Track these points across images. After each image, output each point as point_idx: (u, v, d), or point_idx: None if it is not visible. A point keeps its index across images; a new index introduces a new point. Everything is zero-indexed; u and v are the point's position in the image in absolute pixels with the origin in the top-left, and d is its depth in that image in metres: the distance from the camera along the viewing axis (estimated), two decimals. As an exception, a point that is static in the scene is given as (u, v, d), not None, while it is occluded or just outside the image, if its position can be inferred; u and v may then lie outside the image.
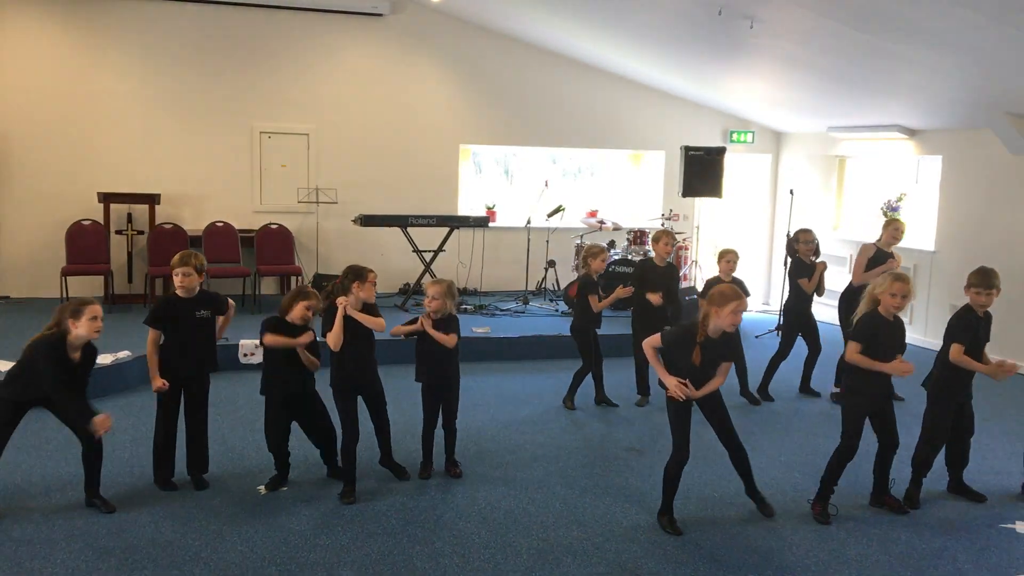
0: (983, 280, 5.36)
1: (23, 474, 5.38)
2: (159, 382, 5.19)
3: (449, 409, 5.65)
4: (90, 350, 4.88)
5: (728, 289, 4.86)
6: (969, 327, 5.33)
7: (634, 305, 7.51)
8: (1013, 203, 9.15)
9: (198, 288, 5.30)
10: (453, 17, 11.41)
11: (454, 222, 10.85)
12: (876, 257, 7.55)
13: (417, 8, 11.29)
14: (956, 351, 5.29)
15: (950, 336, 5.36)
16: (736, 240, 12.37)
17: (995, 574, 4.59)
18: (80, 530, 4.70)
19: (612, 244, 10.99)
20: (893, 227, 7.68)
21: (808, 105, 11.09)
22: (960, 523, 5.22)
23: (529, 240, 11.30)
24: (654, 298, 7.22)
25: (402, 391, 6.46)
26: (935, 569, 4.62)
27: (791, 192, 11.96)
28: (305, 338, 5.25)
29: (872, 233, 10.81)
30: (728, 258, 7.44)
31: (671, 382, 4.83)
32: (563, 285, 11.12)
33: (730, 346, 4.96)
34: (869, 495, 5.42)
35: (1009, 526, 5.20)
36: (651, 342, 5.01)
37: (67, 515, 4.88)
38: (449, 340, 5.47)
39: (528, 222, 11.25)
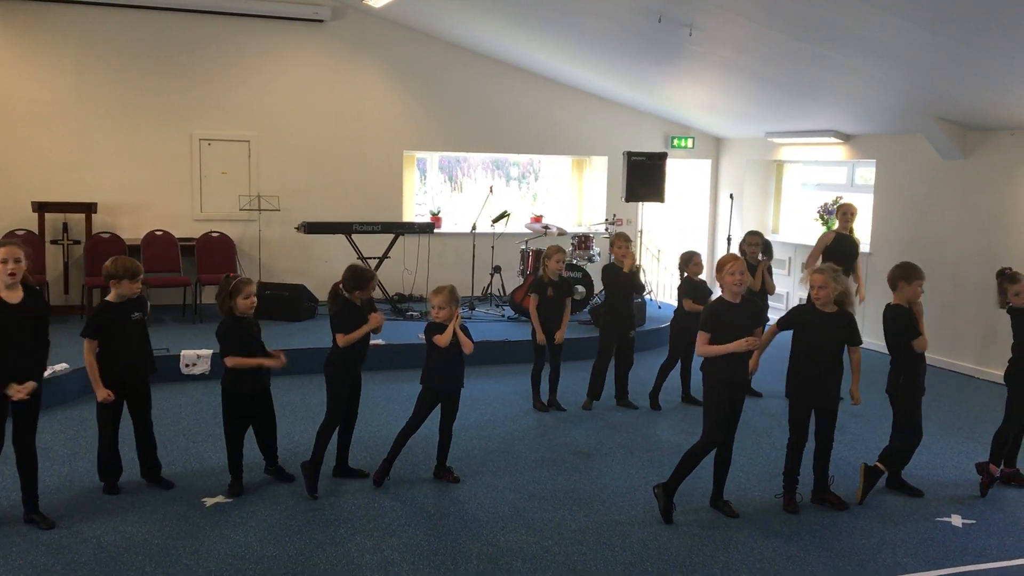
0: (919, 272, 5.54)
1: (-43, 492, 5.24)
2: (104, 392, 5.09)
3: (451, 413, 5.69)
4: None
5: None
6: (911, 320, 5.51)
7: (603, 307, 7.62)
8: (944, 206, 9.43)
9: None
10: (395, 23, 11.37)
11: (399, 229, 10.81)
12: (836, 243, 7.84)
13: (358, 14, 11.24)
14: (923, 343, 5.50)
15: (909, 332, 5.50)
16: (679, 244, 12.55)
17: (933, 566, 4.73)
18: (18, 547, 4.58)
19: (584, 242, 10.98)
20: (842, 211, 8.24)
21: (747, 111, 11.30)
22: (899, 517, 5.36)
23: (475, 246, 11.31)
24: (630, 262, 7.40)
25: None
26: (875, 563, 4.74)
27: (731, 196, 12.19)
28: (272, 361, 5.36)
29: (810, 236, 11.09)
30: (696, 260, 7.60)
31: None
32: (508, 290, 11.15)
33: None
34: (810, 492, 5.54)
35: (946, 519, 5.35)
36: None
37: (3, 532, 4.75)
38: (469, 345, 5.55)
39: (473, 228, 11.26)
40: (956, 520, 5.35)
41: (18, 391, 4.65)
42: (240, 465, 5.43)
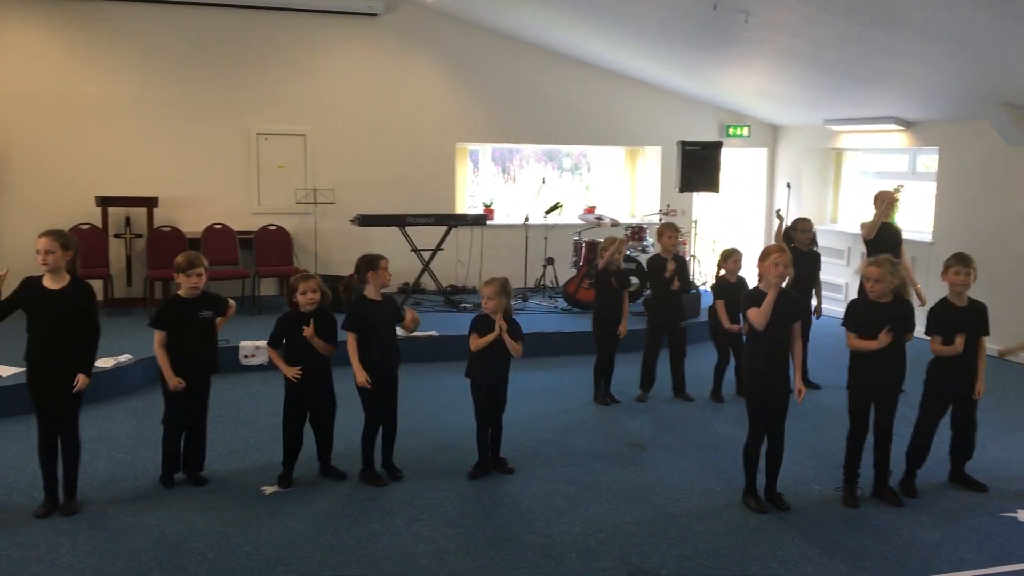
0: (960, 259, 5.39)
1: (25, 478, 5.39)
2: (175, 380, 5.18)
3: (499, 406, 5.66)
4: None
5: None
6: (940, 319, 5.39)
7: (651, 298, 7.57)
8: (1009, 194, 9.17)
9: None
10: (448, 16, 11.41)
11: (452, 221, 10.86)
12: (877, 232, 7.61)
13: (411, 7, 11.29)
14: (933, 343, 5.40)
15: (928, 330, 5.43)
16: (733, 234, 12.42)
17: (997, 562, 4.61)
18: (85, 534, 4.71)
19: (638, 233, 10.93)
20: (879, 199, 7.79)
21: (804, 98, 11.10)
22: (962, 512, 5.24)
23: (527, 237, 11.31)
24: (670, 269, 7.34)
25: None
26: (937, 558, 4.64)
27: (788, 185, 12.00)
28: (288, 371, 5.37)
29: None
30: (735, 258, 7.41)
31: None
32: (562, 281, 11.13)
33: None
34: (871, 487, 5.44)
35: (1011, 515, 5.22)
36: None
37: (71, 518, 4.89)
38: (518, 350, 5.53)
39: (526, 219, 11.26)
40: (1022, 515, 5.21)
41: (79, 384, 4.84)
42: (292, 457, 5.48)
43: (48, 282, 4.83)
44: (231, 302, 5.57)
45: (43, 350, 4.84)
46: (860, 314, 5.22)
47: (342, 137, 11.27)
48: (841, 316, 5.43)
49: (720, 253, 7.61)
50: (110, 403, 6.93)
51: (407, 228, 10.49)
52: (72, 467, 5.00)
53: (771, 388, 5.11)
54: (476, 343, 5.52)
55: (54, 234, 4.84)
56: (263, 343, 8.08)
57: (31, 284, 4.84)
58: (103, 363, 7.04)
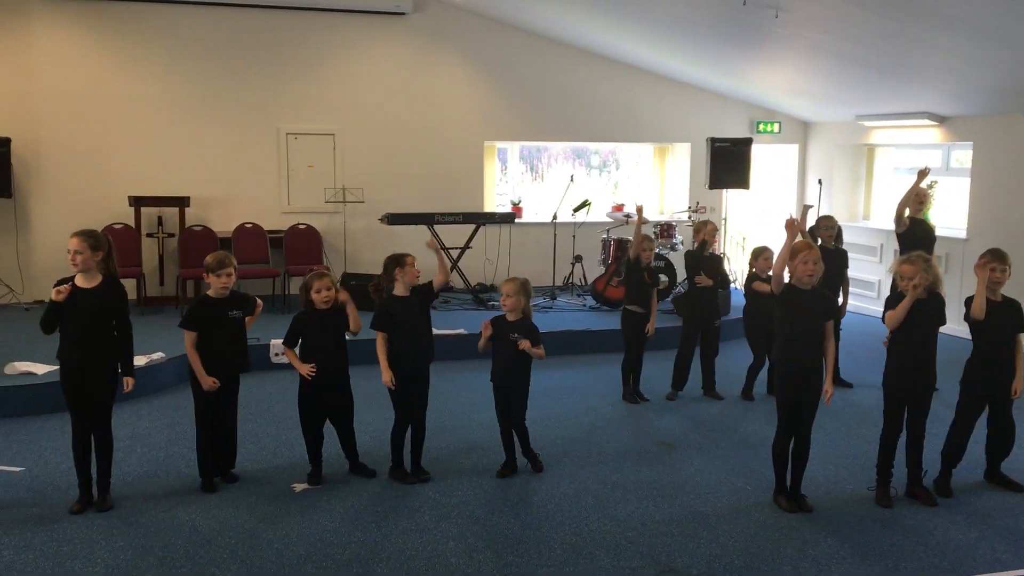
0: (995, 255, 5.32)
1: (60, 475, 5.47)
2: (209, 380, 5.21)
3: (516, 408, 5.62)
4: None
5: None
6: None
7: (685, 296, 7.55)
8: (1046, 189, 9.02)
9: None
10: (476, 14, 11.42)
11: (480, 219, 10.87)
12: (910, 229, 7.51)
13: (439, 6, 11.31)
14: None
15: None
16: (764, 232, 12.31)
17: (1035, 564, 4.55)
18: (119, 529, 4.77)
19: (667, 231, 10.86)
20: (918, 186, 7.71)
21: (835, 94, 10.99)
22: (998, 512, 5.16)
23: (556, 235, 11.29)
24: (702, 280, 7.32)
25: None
26: (973, 559, 4.58)
27: (819, 182, 11.89)
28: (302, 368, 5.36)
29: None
30: (766, 255, 7.35)
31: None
32: (590, 279, 11.11)
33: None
34: (904, 486, 5.38)
35: (1048, 515, 5.14)
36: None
37: (106, 514, 4.95)
38: (541, 353, 5.51)
39: (554, 217, 11.25)
40: (1060, 517, 5.13)
41: (127, 387, 5.00)
42: (316, 454, 5.51)
43: (80, 282, 4.90)
44: (259, 301, 5.61)
45: (76, 349, 4.90)
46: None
47: (371, 136, 11.32)
48: (875, 315, 5.36)
49: (751, 251, 7.56)
50: (143, 401, 7.00)
51: (435, 226, 10.50)
52: (106, 464, 5.06)
53: (801, 387, 5.06)
54: (482, 345, 5.57)
55: (84, 234, 4.90)
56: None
57: (66, 283, 4.90)
58: (136, 361, 7.11)
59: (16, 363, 7.16)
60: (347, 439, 5.58)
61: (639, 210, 7.65)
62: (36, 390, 6.77)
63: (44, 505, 5.06)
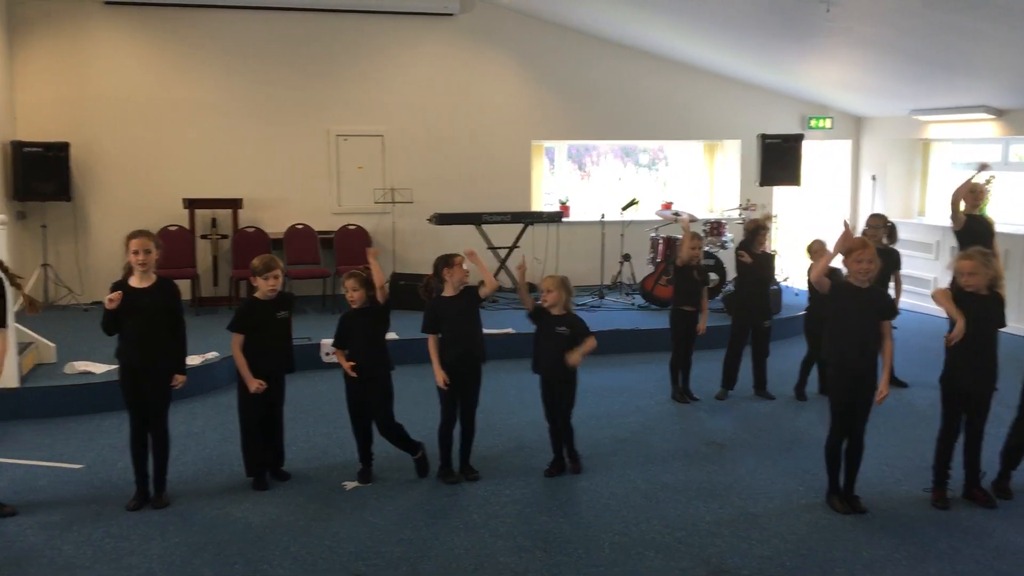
0: None
1: (118, 472, 5.59)
2: (256, 383, 5.28)
3: (565, 403, 5.62)
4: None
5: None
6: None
7: (736, 294, 7.46)
8: (1111, 182, 8.75)
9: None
10: (523, 13, 11.42)
11: (528, 218, 10.87)
12: (968, 225, 7.33)
13: (486, 6, 11.34)
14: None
15: None
16: (816, 228, 12.13)
17: (1099, 569, 4.42)
18: (174, 526, 4.86)
19: (716, 229, 10.75)
20: (968, 190, 7.50)
21: (889, 88, 10.79)
22: (1060, 516, 5.03)
23: (604, 234, 11.25)
24: (745, 256, 7.24)
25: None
26: (1034, 564, 4.46)
27: (873, 178, 11.69)
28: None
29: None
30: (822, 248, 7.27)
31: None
32: (639, 278, 11.05)
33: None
34: (962, 488, 5.26)
35: (1113, 519, 4.99)
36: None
37: (162, 511, 5.06)
38: (592, 344, 5.51)
39: (602, 216, 11.20)
40: None
41: (177, 383, 5.11)
42: (366, 453, 5.56)
43: (135, 282, 5.00)
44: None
45: (133, 348, 5.01)
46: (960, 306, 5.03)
47: (419, 137, 11.39)
48: (931, 313, 5.25)
49: (807, 247, 7.42)
50: (197, 400, 7.13)
51: (483, 226, 10.55)
52: (162, 462, 5.16)
53: (856, 386, 4.98)
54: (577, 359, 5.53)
55: (147, 235, 5.04)
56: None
57: (119, 287, 5.00)
58: (191, 361, 7.24)
59: (75, 362, 7.34)
60: (388, 437, 5.59)
61: (685, 225, 7.49)
62: (94, 389, 6.93)
63: (102, 502, 5.17)
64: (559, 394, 5.59)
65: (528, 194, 11.86)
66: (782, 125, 12.05)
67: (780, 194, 12.14)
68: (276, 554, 4.53)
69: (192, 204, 10.36)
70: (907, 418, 6.80)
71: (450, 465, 5.55)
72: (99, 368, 7.24)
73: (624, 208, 11.20)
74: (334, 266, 10.57)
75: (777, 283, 10.10)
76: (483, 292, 5.50)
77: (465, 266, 5.46)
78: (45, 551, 4.53)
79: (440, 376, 5.37)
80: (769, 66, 11.34)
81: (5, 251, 6.72)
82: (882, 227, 7.49)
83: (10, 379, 6.69)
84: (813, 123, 12.36)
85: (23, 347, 7.20)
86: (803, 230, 12.50)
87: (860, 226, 12.00)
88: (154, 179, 10.66)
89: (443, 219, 10.46)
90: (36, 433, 6.35)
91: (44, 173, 9.87)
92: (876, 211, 7.97)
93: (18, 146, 9.85)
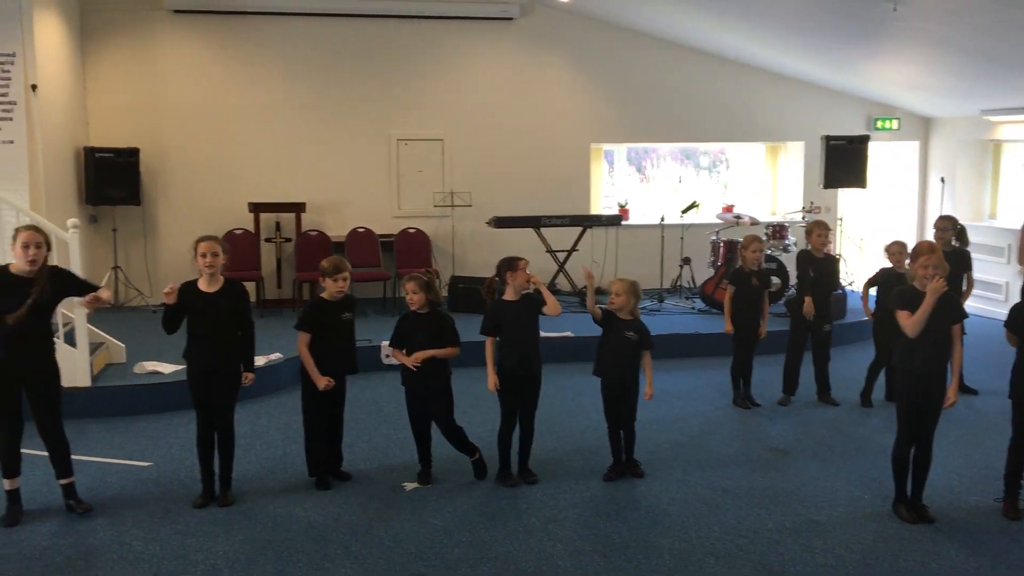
0: None
1: (185, 470, 5.72)
2: (324, 380, 5.34)
3: (629, 407, 5.61)
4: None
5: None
6: None
7: (796, 298, 7.34)
8: None
9: None
10: (583, 16, 11.41)
11: (587, 221, 10.85)
12: None
13: (547, 9, 11.35)
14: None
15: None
16: (883, 231, 11.89)
17: None
18: (239, 524, 4.95)
19: (779, 232, 10.58)
20: None
21: (959, 88, 10.52)
22: None
23: (663, 237, 11.17)
24: (808, 308, 7.10)
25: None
26: (1113, 579, 4.31)
27: (942, 180, 11.41)
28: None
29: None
30: (899, 249, 7.10)
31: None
32: (699, 282, 10.94)
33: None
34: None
35: None
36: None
37: (227, 509, 5.15)
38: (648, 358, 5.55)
39: (662, 219, 11.13)
40: None
41: (247, 381, 5.26)
42: (425, 454, 5.60)
43: (204, 285, 5.12)
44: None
45: (202, 349, 5.13)
46: None
47: (478, 140, 11.44)
48: (1003, 318, 5.11)
49: (886, 247, 7.23)
50: (261, 400, 7.26)
51: (542, 229, 10.54)
52: (228, 461, 5.27)
53: (925, 392, 4.87)
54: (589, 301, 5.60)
55: (215, 240, 5.16)
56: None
57: (189, 289, 5.14)
58: (256, 361, 7.37)
59: (144, 363, 7.53)
60: (450, 438, 5.62)
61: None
62: (163, 388, 7.11)
63: (169, 499, 5.29)
64: (623, 399, 5.57)
65: (587, 197, 11.83)
66: (847, 126, 11.84)
67: (845, 196, 11.91)
68: (338, 553, 4.59)
69: (257, 208, 10.55)
70: (976, 426, 6.62)
71: (509, 468, 5.56)
72: (167, 368, 7.41)
73: (684, 211, 11.11)
74: (394, 269, 10.67)
75: (842, 287, 9.91)
76: (546, 311, 5.51)
77: (528, 270, 5.47)
78: (114, 546, 4.66)
79: (492, 379, 5.38)
80: (833, 66, 11.15)
81: (78, 254, 6.92)
82: (951, 229, 7.32)
83: (82, 378, 6.90)
84: (879, 124, 12.12)
85: (95, 347, 7.41)
86: (870, 233, 12.27)
87: (929, 230, 11.74)
88: (220, 183, 10.89)
89: (502, 222, 10.49)
90: (106, 431, 6.53)
91: (115, 178, 10.15)
92: (945, 213, 7.77)
93: (90, 152, 10.15)
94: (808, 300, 7.11)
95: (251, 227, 10.62)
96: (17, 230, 4.88)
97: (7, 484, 4.98)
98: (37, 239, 4.82)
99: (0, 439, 4.91)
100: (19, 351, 4.84)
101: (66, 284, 5.06)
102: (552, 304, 5.47)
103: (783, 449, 6.20)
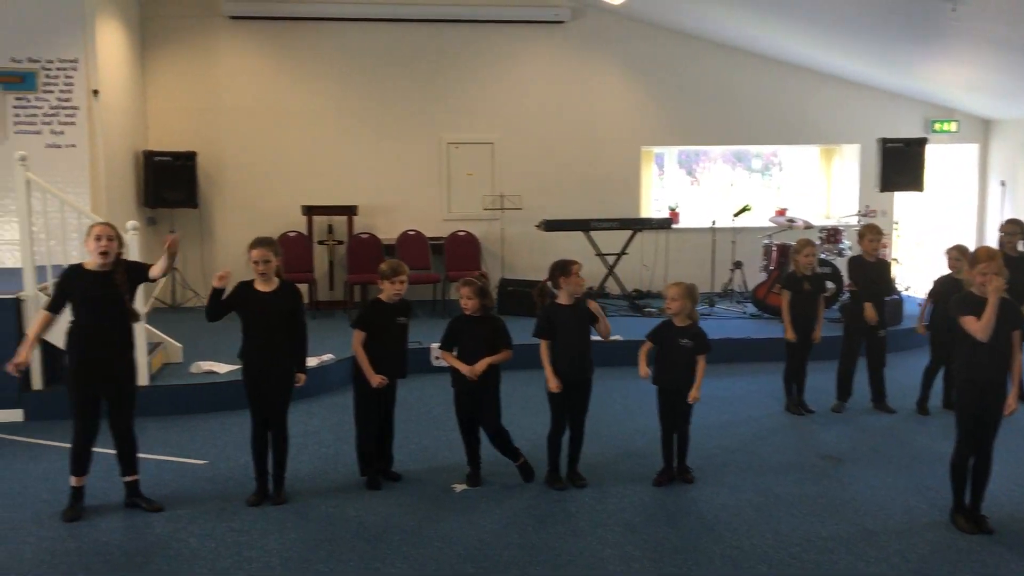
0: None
1: (239, 469, 5.81)
2: (378, 378, 5.39)
3: (684, 412, 5.58)
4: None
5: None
6: None
7: (850, 303, 7.23)
8: None
9: None
10: (634, 19, 11.38)
11: (637, 225, 10.80)
12: None
13: (597, 12, 11.34)
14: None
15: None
16: (941, 236, 11.66)
17: None
18: (292, 522, 5.02)
19: (834, 236, 10.42)
20: None
21: (1020, 89, 10.27)
22: None
23: (714, 241, 11.08)
24: (870, 314, 6.97)
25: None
26: None
27: (1002, 184, 11.16)
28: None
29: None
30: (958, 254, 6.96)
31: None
32: (750, 287, 10.83)
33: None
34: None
35: None
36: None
37: (280, 508, 5.23)
38: (702, 362, 5.49)
39: (713, 223, 11.03)
40: None
41: (299, 382, 5.32)
42: (471, 455, 5.61)
43: (260, 286, 5.21)
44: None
45: (257, 349, 5.22)
46: None
47: (528, 143, 11.47)
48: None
49: (947, 251, 7.08)
50: (314, 400, 7.35)
51: (591, 232, 10.53)
52: (281, 460, 5.34)
53: (985, 400, 4.76)
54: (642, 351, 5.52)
55: (268, 243, 5.23)
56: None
57: (245, 288, 5.24)
58: (308, 362, 7.47)
59: (200, 362, 7.67)
60: (495, 441, 5.63)
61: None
62: (218, 388, 7.24)
63: (224, 497, 5.38)
64: (678, 405, 5.54)
65: (637, 200, 11.79)
66: (904, 129, 11.63)
67: (901, 200, 11.71)
68: (388, 553, 4.63)
69: (310, 211, 10.70)
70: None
71: (558, 471, 5.56)
72: (223, 368, 7.54)
73: (736, 214, 11.01)
74: (444, 271, 10.74)
75: (898, 292, 9.74)
76: (598, 330, 5.53)
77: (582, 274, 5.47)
78: (171, 543, 4.75)
79: (553, 381, 5.39)
80: (890, 68, 10.97)
81: (137, 255, 7.06)
82: (1018, 233, 7.14)
83: (140, 377, 7.03)
84: (937, 126, 11.89)
85: (152, 347, 7.57)
86: (927, 237, 12.04)
87: (990, 234, 11.49)
88: (274, 187, 11.06)
89: (551, 225, 10.50)
90: (163, 429, 6.66)
91: (173, 181, 10.38)
92: (1012, 217, 7.55)
93: (149, 155, 10.38)
94: (869, 306, 7.00)
95: (304, 229, 10.76)
96: (91, 226, 5.05)
97: (74, 481, 5.11)
98: (109, 232, 4.98)
99: (76, 438, 5.04)
100: (103, 350, 4.99)
101: (139, 270, 5.21)
102: (604, 328, 5.51)
103: (837, 457, 6.11)
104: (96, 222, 5.16)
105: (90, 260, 5.01)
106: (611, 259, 10.59)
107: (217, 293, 5.14)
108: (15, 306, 6.82)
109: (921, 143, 10.84)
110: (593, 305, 5.48)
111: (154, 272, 5.17)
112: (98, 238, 4.93)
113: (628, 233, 10.72)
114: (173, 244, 5.07)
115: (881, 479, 5.67)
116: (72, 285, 4.98)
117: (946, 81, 11.05)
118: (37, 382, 6.92)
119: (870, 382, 7.23)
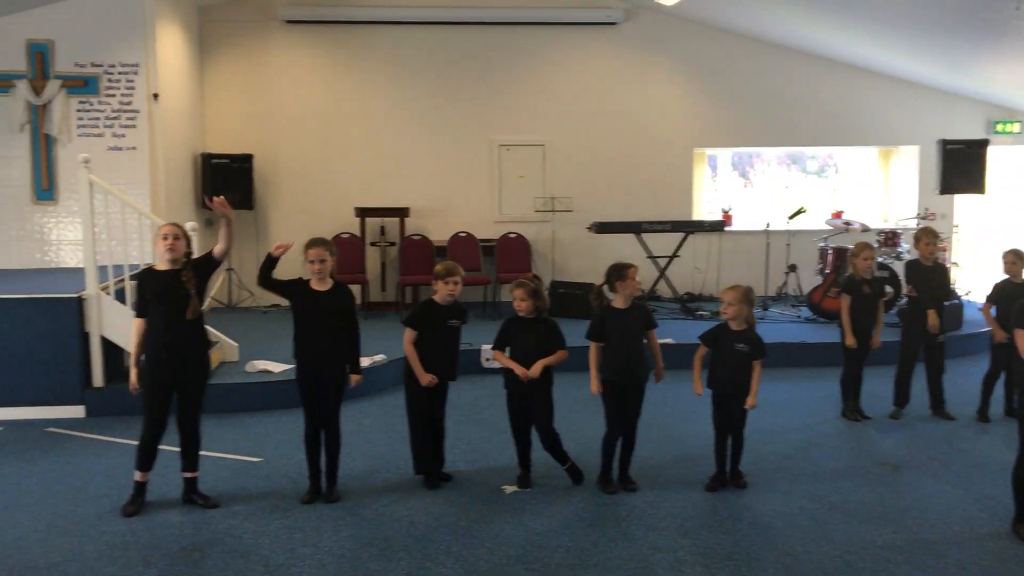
0: None
1: (293, 467, 5.88)
2: (428, 377, 5.42)
3: (739, 417, 5.54)
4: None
5: None
6: None
7: (907, 308, 7.09)
8: None
9: None
10: (687, 20, 11.29)
11: (689, 227, 10.72)
12: None
13: (650, 13, 11.28)
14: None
15: None
16: (1003, 239, 11.38)
17: None
18: (344, 520, 5.07)
19: (891, 239, 10.23)
20: None
21: (1088, 88, 10.00)
22: None
23: (768, 244, 10.94)
24: (932, 321, 6.83)
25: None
26: None
27: (1068, 185, 10.84)
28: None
29: None
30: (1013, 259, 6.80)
31: None
32: (805, 290, 10.67)
33: None
34: None
35: None
36: None
37: (332, 506, 5.28)
38: (758, 368, 5.44)
39: (767, 225, 10.90)
40: None
41: (354, 382, 5.40)
42: (525, 457, 5.60)
43: (315, 285, 5.29)
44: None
45: (311, 349, 5.28)
46: None
47: (579, 145, 11.45)
48: None
49: (1003, 255, 6.91)
50: (366, 400, 7.42)
51: (643, 235, 10.47)
52: (334, 458, 5.40)
53: None
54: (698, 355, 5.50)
55: (324, 244, 5.32)
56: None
57: (301, 285, 5.32)
58: (360, 362, 7.55)
59: (255, 361, 7.79)
60: (546, 444, 5.62)
61: None
62: (273, 387, 7.34)
63: (278, 494, 5.46)
64: (733, 409, 5.48)
65: (689, 203, 11.70)
66: (965, 130, 11.38)
67: (962, 203, 11.45)
68: (439, 552, 4.65)
69: (363, 213, 10.81)
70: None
71: (610, 474, 5.53)
72: (278, 368, 7.65)
73: (791, 217, 10.87)
74: (495, 273, 10.76)
75: (958, 297, 9.52)
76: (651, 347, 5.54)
77: (637, 278, 5.45)
78: (227, 538, 4.83)
79: (595, 384, 5.37)
80: (950, 68, 10.73)
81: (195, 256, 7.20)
82: None
83: (201, 376, 7.17)
84: (1000, 128, 11.62)
85: (209, 346, 7.69)
86: (988, 241, 11.76)
87: (1052, 237, 11.19)
88: (328, 189, 11.20)
89: (602, 228, 10.46)
90: (219, 427, 6.77)
91: (230, 183, 10.55)
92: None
93: (207, 158, 10.58)
94: (932, 313, 6.84)
95: (357, 231, 10.87)
96: (159, 227, 5.21)
97: (138, 476, 5.22)
98: (175, 231, 5.14)
99: (145, 435, 5.16)
100: (176, 349, 5.12)
101: (205, 262, 5.34)
102: (658, 370, 5.56)
103: (894, 464, 5.99)
104: (163, 223, 5.29)
105: (160, 262, 5.15)
106: (663, 262, 10.53)
107: (271, 260, 5.24)
108: (78, 305, 7.00)
109: (983, 144, 10.60)
110: (654, 349, 5.49)
111: (217, 251, 5.33)
112: (164, 237, 5.09)
113: (680, 236, 10.64)
114: (222, 205, 5.17)
115: (939, 487, 5.54)
116: (145, 287, 5.14)
117: (1009, 81, 10.78)
118: (98, 379, 7.09)
119: (928, 388, 7.08)
